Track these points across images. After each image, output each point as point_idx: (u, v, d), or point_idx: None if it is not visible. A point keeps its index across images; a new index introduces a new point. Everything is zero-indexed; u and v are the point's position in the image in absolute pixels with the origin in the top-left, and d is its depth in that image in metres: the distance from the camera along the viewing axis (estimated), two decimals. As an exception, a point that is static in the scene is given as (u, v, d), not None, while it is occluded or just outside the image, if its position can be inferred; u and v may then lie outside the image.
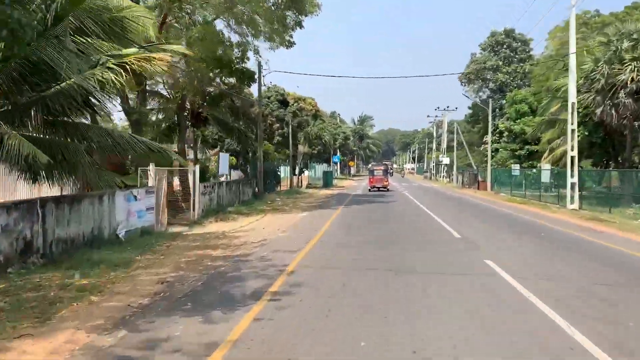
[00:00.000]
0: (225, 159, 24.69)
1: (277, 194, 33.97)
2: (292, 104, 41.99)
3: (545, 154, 38.22)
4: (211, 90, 27.66)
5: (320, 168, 72.37)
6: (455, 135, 63.22)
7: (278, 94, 41.50)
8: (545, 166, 35.92)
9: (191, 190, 18.31)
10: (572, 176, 23.95)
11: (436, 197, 32.68)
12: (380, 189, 39.18)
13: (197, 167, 19.19)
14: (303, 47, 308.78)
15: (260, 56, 26.59)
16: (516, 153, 48.54)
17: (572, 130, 24.20)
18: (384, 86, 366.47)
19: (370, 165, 60.32)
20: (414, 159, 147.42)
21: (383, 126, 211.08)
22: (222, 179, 26.72)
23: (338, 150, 71.17)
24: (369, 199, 29.77)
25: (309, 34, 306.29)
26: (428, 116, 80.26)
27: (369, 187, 40.66)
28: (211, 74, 23.38)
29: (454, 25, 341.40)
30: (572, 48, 24.56)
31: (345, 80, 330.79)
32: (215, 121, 28.93)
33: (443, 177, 71.36)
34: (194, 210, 17.79)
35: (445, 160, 60.02)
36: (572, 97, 24.25)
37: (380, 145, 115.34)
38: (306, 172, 62.39)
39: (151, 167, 14.64)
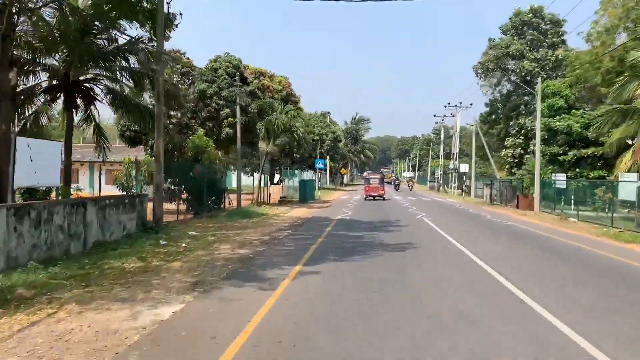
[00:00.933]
0: (21, 146, 10.78)
1: (212, 217, 20.60)
2: (252, 81, 28.70)
3: (626, 159, 25.21)
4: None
5: (306, 176, 59.05)
6: (473, 138, 50.02)
7: (230, 65, 28.19)
8: (630, 176, 23.38)
9: None
10: None
11: (485, 230, 19.20)
12: (376, 197, 37.21)
13: None
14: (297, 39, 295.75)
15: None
16: (559, 158, 35.45)
17: None
18: (381, 86, 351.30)
19: (365, 173, 55.38)
20: (413, 167, 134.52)
21: (379, 133, 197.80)
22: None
23: (327, 155, 57.86)
24: (361, 234, 16.30)
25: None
26: (435, 115, 67.38)
27: (365, 196, 37.87)
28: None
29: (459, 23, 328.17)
30: None
31: (338, 79, 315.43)
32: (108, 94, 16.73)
33: (454, 189, 58.24)
34: None
35: (463, 167, 46.65)
36: None
37: (376, 151, 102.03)
38: (287, 182, 49.74)
39: None
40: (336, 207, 29.56)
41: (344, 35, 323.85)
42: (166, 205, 20.78)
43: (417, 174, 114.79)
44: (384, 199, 37.27)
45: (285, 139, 28.55)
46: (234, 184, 29.96)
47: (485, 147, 49.00)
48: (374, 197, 36.98)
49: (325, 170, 73.76)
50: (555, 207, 29.34)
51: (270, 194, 33.12)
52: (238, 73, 28.02)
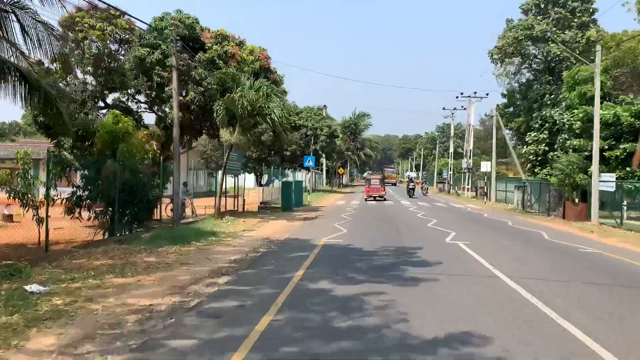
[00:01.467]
0: None
1: (127, 242, 12.99)
2: (210, 47, 21.04)
3: None
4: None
5: (300, 176, 51.48)
6: (494, 131, 42.31)
7: (182, 25, 20.55)
8: None
9: None
10: None
11: (576, 271, 11.44)
12: (377, 198, 36.86)
13: None
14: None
15: None
16: (604, 154, 27.84)
17: None
18: (382, 84, 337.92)
19: (366, 174, 53.93)
20: (416, 166, 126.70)
21: (379, 132, 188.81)
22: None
23: (322, 152, 50.14)
24: (358, 292, 8.52)
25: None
26: (444, 108, 59.20)
27: (366, 197, 37.39)
28: None
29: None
30: None
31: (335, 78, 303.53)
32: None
33: (466, 191, 50.62)
34: None
35: (484, 166, 38.79)
36: None
37: (377, 149, 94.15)
38: (277, 183, 42.58)
39: None
40: (327, 219, 21.89)
41: (340, 28, 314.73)
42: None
43: (421, 174, 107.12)
44: (384, 200, 36.81)
45: (259, 128, 21.03)
46: (231, 186, 22.28)
47: (507, 142, 41.34)
48: (374, 197, 36.78)
49: (320, 169, 66.12)
50: (613, 216, 21.87)
51: (246, 200, 25.53)
52: (192, 36, 20.40)
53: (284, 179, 30.97)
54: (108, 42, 19.67)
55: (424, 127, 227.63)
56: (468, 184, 50.73)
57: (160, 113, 21.68)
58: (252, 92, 18.91)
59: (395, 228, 18.68)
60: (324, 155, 49.39)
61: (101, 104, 21.52)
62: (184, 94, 20.45)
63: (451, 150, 62.12)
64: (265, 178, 46.83)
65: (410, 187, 42.79)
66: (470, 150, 50.89)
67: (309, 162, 30.10)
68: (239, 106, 18.80)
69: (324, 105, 62.67)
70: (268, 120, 19.53)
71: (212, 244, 13.53)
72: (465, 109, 60.56)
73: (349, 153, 75.26)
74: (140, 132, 15.99)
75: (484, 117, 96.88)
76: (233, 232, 16.34)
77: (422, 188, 50.76)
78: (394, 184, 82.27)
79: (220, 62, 20.56)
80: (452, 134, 63.54)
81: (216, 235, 15.09)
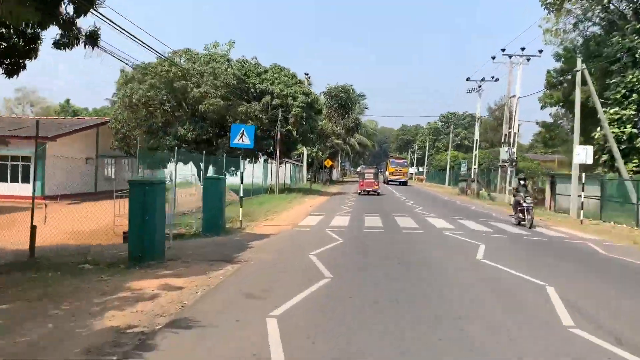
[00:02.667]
0: None
1: None
2: None
3: None
4: None
5: (271, 168, 35.32)
6: (577, 93, 25.86)
7: None
8: None
9: None
10: None
11: None
12: (371, 192, 35.00)
13: None
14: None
15: None
16: None
17: None
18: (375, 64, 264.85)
19: (359, 168, 52.89)
20: (417, 160, 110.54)
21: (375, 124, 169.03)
22: None
23: (298, 134, 33.44)
24: None
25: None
26: (468, 79, 43.34)
27: (359, 191, 35.67)
28: None
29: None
30: None
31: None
32: None
33: (503, 192, 34.62)
34: None
35: (581, 155, 21.48)
36: None
37: (373, 138, 77.46)
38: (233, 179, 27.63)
39: None
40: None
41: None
42: None
43: (425, 170, 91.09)
44: (378, 194, 35.08)
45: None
46: None
47: (599, 108, 24.93)
48: (368, 191, 35.29)
49: (300, 160, 49.54)
50: None
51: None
52: None
53: (145, 182, 14.15)
54: None
55: (425, 118, 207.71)
56: (510, 183, 34.55)
57: None
58: None
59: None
60: (297, 136, 32.89)
61: None
62: None
63: (476, 136, 45.74)
64: (211, 172, 30.59)
65: (526, 202, 17.22)
66: (515, 133, 34.72)
67: (241, 136, 13.60)
68: None
69: (307, 74, 46.16)
70: None
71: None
72: (496, 80, 44.45)
73: (339, 141, 58.81)
74: None
75: (493, 106, 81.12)
76: None
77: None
78: (405, 183, 59.95)
79: None
80: (477, 114, 46.95)
81: None
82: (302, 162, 49.52)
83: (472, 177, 42.96)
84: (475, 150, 45.22)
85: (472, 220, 18.55)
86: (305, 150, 47.72)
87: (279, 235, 13.41)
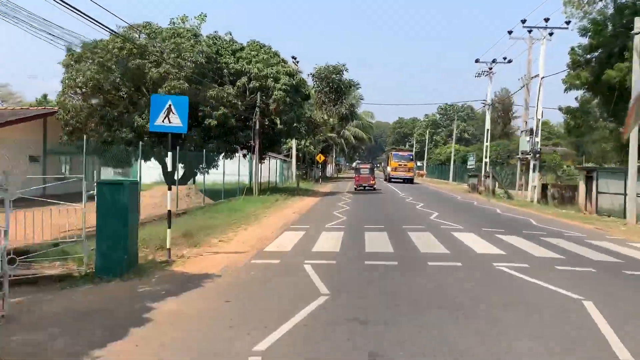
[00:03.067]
0: None
1: None
2: None
3: None
4: None
5: (248, 166, 29.67)
6: (634, 56, 20.45)
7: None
8: None
9: None
10: None
11: None
12: (367, 187, 34.43)
13: None
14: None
15: None
16: None
17: None
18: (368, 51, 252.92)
19: (355, 163, 52.59)
20: (415, 155, 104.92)
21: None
22: None
23: (281, 123, 27.69)
24: None
25: None
26: (477, 61, 38.00)
27: (355, 186, 35.24)
28: None
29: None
30: None
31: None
32: None
33: (531, 190, 29.29)
34: None
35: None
36: None
37: (370, 131, 71.76)
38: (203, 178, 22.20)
39: None
40: None
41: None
42: None
43: (425, 164, 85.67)
44: (374, 189, 34.46)
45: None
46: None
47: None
48: (364, 187, 34.56)
49: (289, 155, 43.92)
50: None
51: None
52: None
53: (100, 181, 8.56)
54: None
55: (423, 110, 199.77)
56: (532, 180, 29.06)
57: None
58: None
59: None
60: (282, 126, 27.25)
61: None
62: None
63: (487, 125, 40.16)
64: (181, 170, 25.02)
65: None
66: (539, 120, 29.18)
67: (167, 115, 8.20)
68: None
69: (294, 58, 40.57)
70: None
71: None
72: (509, 61, 38.91)
73: (333, 134, 53.22)
74: None
75: (493, 97, 75.44)
76: None
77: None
78: (411, 181, 49.83)
79: None
80: (488, 98, 41.25)
81: None
82: (291, 158, 43.91)
83: (485, 172, 37.41)
84: (487, 142, 39.69)
85: (518, 236, 13.01)
86: (294, 144, 42.12)
87: (221, 279, 7.87)
